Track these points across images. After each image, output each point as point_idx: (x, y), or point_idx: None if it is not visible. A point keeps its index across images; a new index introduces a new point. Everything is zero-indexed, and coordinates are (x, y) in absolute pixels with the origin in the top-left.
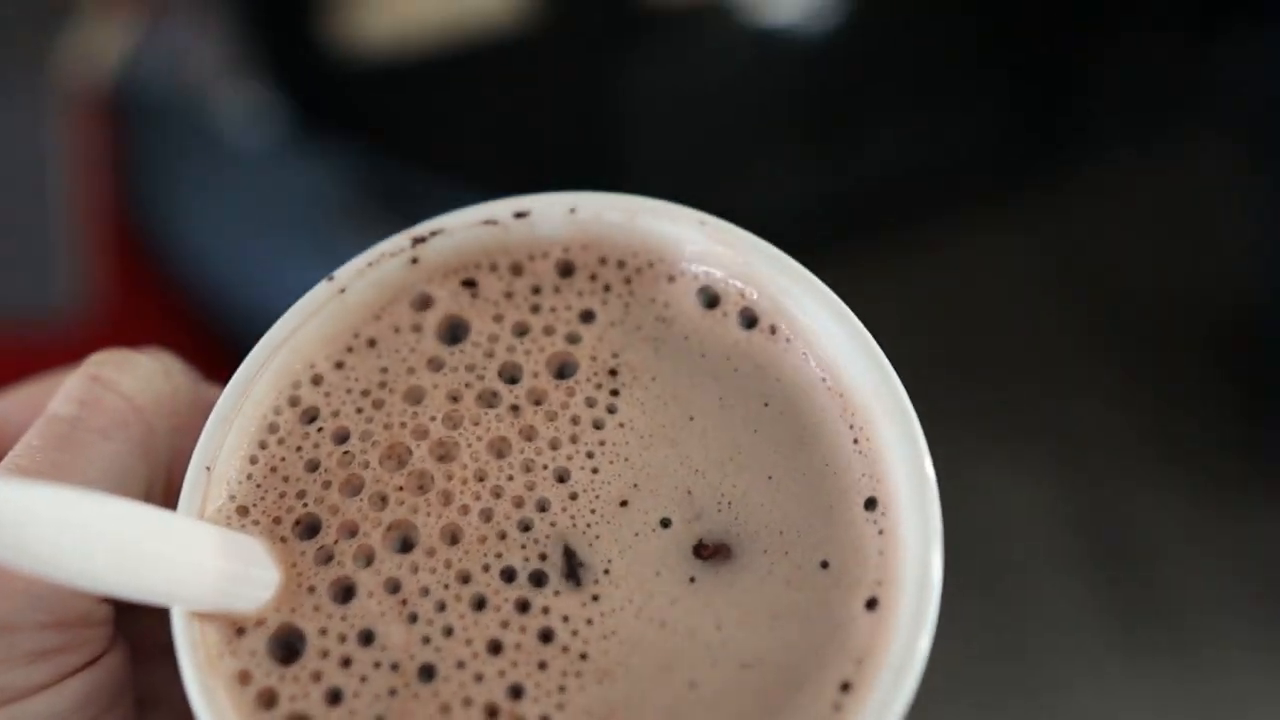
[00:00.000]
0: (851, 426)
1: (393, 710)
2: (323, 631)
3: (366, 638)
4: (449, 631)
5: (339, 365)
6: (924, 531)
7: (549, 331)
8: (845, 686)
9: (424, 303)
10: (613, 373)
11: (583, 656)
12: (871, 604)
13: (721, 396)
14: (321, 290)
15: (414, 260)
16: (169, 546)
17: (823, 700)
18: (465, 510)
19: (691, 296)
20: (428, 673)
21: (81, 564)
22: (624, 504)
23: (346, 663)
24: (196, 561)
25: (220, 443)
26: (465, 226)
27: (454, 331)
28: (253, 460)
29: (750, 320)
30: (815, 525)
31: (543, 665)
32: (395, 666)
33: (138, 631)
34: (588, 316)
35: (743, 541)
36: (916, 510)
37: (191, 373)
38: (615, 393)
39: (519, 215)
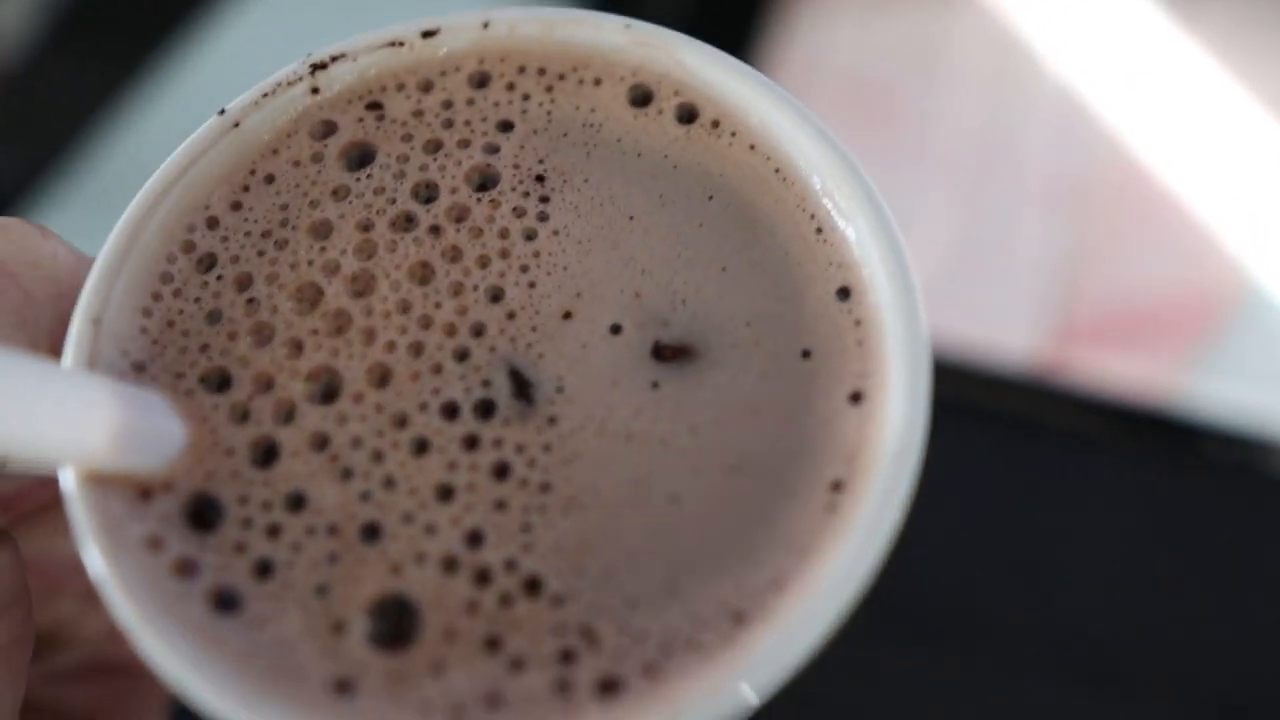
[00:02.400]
0: (813, 216)
1: (336, 578)
2: (243, 500)
3: (295, 502)
4: (389, 483)
5: (235, 206)
6: (908, 318)
7: (464, 144)
8: (837, 486)
9: (326, 130)
10: (540, 179)
11: (544, 488)
12: (856, 397)
13: (662, 194)
14: (213, 125)
15: (314, 90)
16: (53, 396)
17: (815, 502)
18: (391, 347)
19: (621, 98)
20: (371, 532)
21: None
22: (568, 316)
23: (274, 531)
24: (86, 411)
25: (107, 294)
26: (369, 49)
27: (361, 158)
28: (146, 313)
29: (689, 115)
30: (785, 314)
31: (500, 505)
32: (333, 530)
33: (35, 563)
34: (506, 126)
35: (706, 337)
36: (897, 295)
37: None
38: (545, 199)
39: (427, 35)
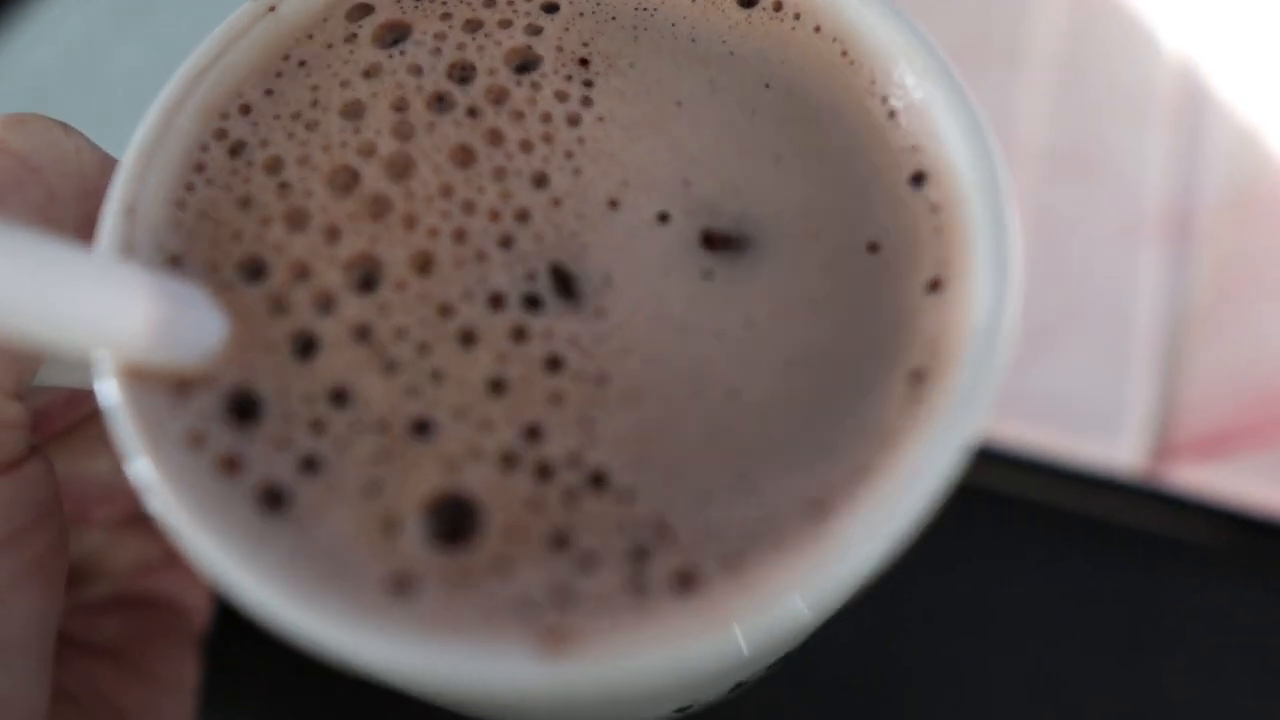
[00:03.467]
0: (885, 99)
1: (388, 475)
2: (283, 393)
3: (338, 397)
4: (438, 376)
5: (268, 93)
6: (992, 198)
7: (505, 25)
8: (918, 375)
9: (362, 12)
10: (583, 62)
11: (600, 380)
12: (935, 285)
13: (713, 80)
14: (248, 9)
15: None
16: (90, 280)
17: (894, 392)
18: (434, 232)
19: None
20: (421, 428)
21: None
22: (614, 204)
23: (319, 426)
24: (125, 298)
25: (140, 183)
26: None
27: (395, 37)
28: (180, 205)
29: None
30: (848, 205)
31: (557, 398)
32: (382, 425)
33: (65, 487)
34: (551, 8)
35: (760, 227)
36: (979, 175)
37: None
38: (589, 83)
39: None
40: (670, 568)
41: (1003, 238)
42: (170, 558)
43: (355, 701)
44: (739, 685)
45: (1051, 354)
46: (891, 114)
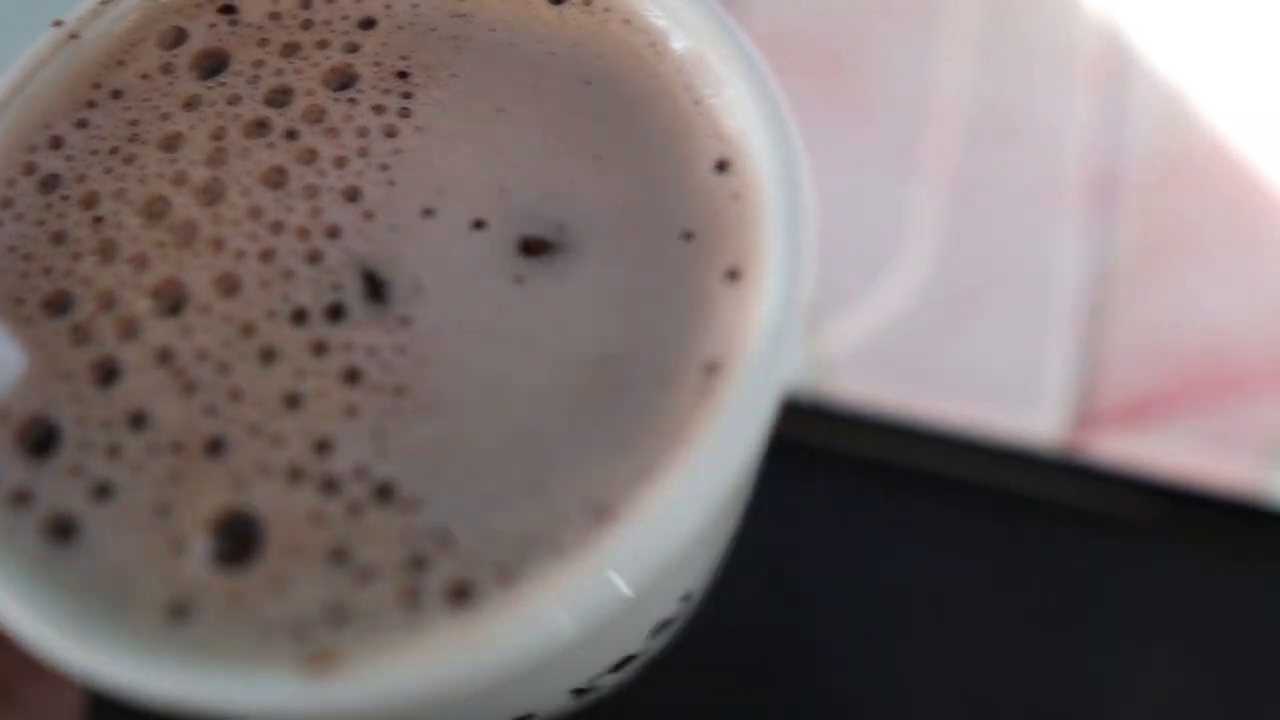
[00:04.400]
0: (688, 87)
1: (178, 496)
2: (81, 421)
3: (136, 421)
4: (236, 395)
5: (82, 124)
6: (787, 183)
7: (323, 46)
8: (711, 367)
9: (176, 38)
10: (402, 75)
11: (398, 391)
12: (733, 274)
13: (536, 84)
14: (50, 38)
15: None
16: None
17: (687, 386)
18: (241, 255)
19: None
20: (215, 446)
21: None
22: (428, 213)
23: (114, 451)
24: None
25: None
26: None
27: (213, 66)
28: None
29: None
30: (663, 197)
31: (351, 411)
32: (176, 447)
33: None
34: (368, 24)
35: (578, 229)
36: (776, 163)
37: None
38: (408, 95)
39: None
40: (446, 579)
41: (798, 227)
42: None
43: None
44: (580, 691)
45: (971, 325)
46: (696, 101)
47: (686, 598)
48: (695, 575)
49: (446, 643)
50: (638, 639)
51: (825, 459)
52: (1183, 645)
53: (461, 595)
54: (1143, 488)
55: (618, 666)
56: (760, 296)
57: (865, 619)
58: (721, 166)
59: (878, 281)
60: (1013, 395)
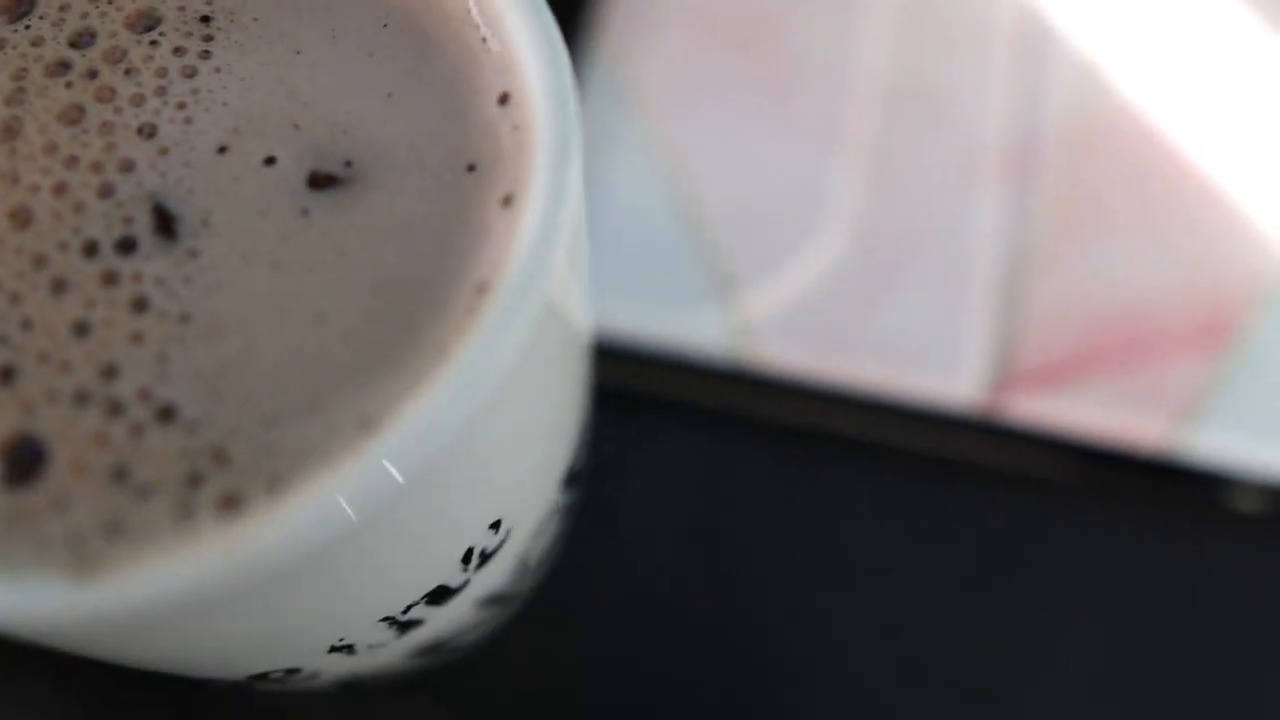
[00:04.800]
0: (475, 26)
1: None
2: None
3: None
4: (27, 324)
5: None
6: (559, 116)
7: None
8: (481, 288)
9: None
10: (205, 19)
11: (183, 319)
12: (507, 200)
13: (334, 28)
14: None
15: None
16: None
17: (458, 307)
18: (34, 189)
19: None
20: (6, 374)
21: None
22: (222, 150)
23: None
24: None
25: None
26: None
27: (21, 11)
28: None
29: None
30: (451, 131)
31: (138, 338)
32: None
33: None
34: None
35: (366, 162)
36: (549, 95)
37: None
38: (209, 38)
39: None
40: (218, 493)
41: (565, 155)
42: None
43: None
44: (397, 624)
45: (890, 294)
46: (484, 39)
47: (496, 526)
48: (497, 501)
49: (211, 547)
50: (445, 565)
51: (746, 425)
52: (1103, 600)
53: (230, 504)
54: (1062, 448)
55: (434, 598)
56: (529, 221)
57: (787, 584)
58: (503, 100)
59: (799, 251)
60: (932, 360)
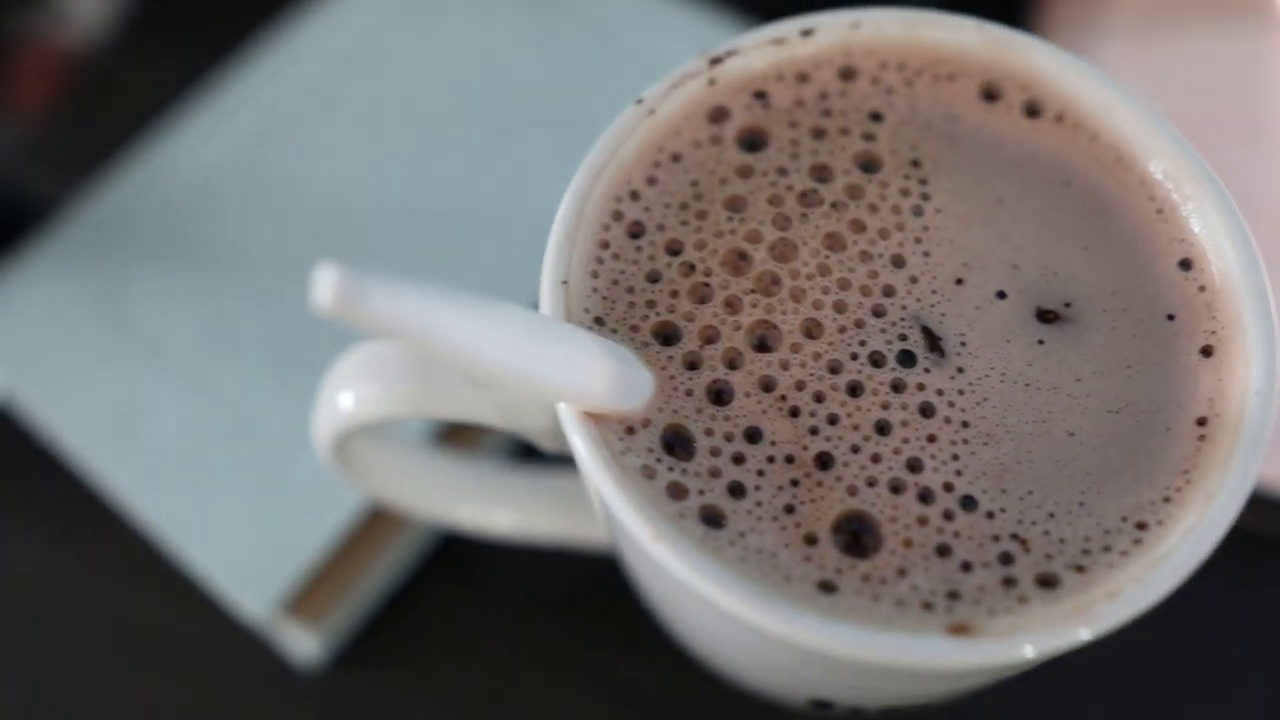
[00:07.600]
0: (1152, 199)
1: (800, 498)
2: (709, 432)
3: (752, 435)
4: (834, 420)
5: (651, 181)
6: (1253, 285)
7: (845, 132)
8: (1202, 421)
9: (719, 115)
10: (915, 164)
11: (964, 424)
12: (1206, 351)
13: (1024, 181)
14: (633, 112)
15: (711, 81)
16: (562, 341)
17: (1188, 435)
18: (819, 305)
19: (973, 93)
20: (824, 461)
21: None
22: (959, 282)
23: (739, 460)
24: (587, 356)
25: (569, 259)
26: (756, 46)
27: (752, 141)
28: (594, 275)
29: (1033, 110)
30: (1144, 284)
31: (931, 438)
32: (790, 459)
33: None
34: (876, 116)
35: (1079, 303)
36: (1240, 266)
37: None
38: (924, 181)
39: (805, 33)
40: (1033, 570)
41: (1265, 312)
42: None
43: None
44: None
45: None
46: (1159, 210)
47: None
48: None
49: (1045, 617)
50: None
51: None
52: None
53: (1048, 583)
54: None
55: None
56: (1242, 369)
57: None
58: (1185, 264)
59: None
60: None
